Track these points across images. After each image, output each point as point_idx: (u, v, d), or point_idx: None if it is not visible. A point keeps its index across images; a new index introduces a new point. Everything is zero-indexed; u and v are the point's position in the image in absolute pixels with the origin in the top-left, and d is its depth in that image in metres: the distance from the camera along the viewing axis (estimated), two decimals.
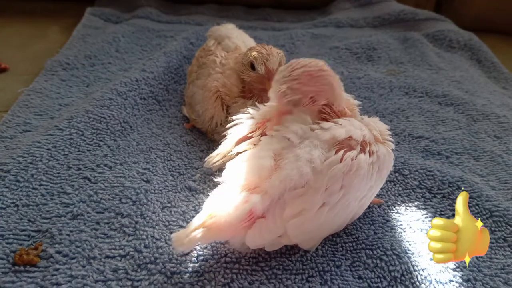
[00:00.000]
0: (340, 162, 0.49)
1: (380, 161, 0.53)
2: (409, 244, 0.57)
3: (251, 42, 0.84)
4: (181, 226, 0.57)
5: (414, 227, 0.59)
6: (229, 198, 0.48)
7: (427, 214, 0.62)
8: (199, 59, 0.81)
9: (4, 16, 1.22)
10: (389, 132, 0.57)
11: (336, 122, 0.53)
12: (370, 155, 0.52)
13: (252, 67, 0.67)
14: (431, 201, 0.64)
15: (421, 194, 0.65)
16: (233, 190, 0.49)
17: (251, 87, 0.69)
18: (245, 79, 0.69)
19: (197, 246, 0.54)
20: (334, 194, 0.49)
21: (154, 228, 0.57)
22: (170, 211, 0.59)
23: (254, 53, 0.67)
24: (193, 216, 0.58)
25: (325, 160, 0.49)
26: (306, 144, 0.50)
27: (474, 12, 1.36)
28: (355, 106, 0.59)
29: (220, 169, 0.55)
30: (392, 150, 0.56)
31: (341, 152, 0.50)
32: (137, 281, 0.50)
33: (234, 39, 0.81)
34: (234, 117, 0.58)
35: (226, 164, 0.54)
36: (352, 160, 0.50)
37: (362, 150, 0.51)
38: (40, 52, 1.02)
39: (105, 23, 1.18)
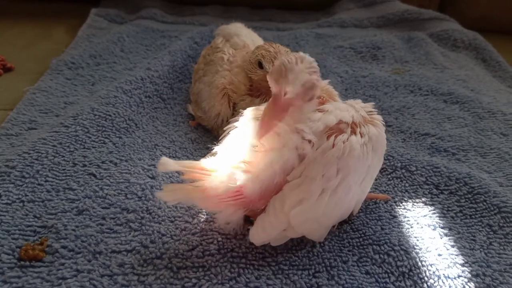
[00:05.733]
0: (333, 147, 0.49)
1: (373, 141, 0.53)
2: (417, 240, 0.56)
3: (260, 41, 0.84)
4: (186, 222, 0.57)
5: (421, 223, 0.59)
6: (224, 167, 0.48)
7: (434, 210, 0.61)
8: (206, 56, 0.81)
9: (10, 17, 1.22)
10: (375, 110, 0.57)
11: (323, 109, 0.52)
12: (361, 137, 0.52)
13: (260, 65, 0.66)
14: (438, 197, 0.64)
15: (428, 190, 0.65)
16: (232, 160, 0.49)
17: (258, 86, 0.69)
18: (252, 77, 0.69)
19: (202, 242, 0.54)
20: (332, 180, 0.49)
21: (160, 223, 0.56)
22: (176, 207, 0.59)
23: (262, 52, 0.66)
24: (199, 212, 0.58)
25: (317, 148, 0.49)
26: (299, 128, 0.50)
27: (478, 12, 1.35)
28: (327, 86, 0.58)
29: None
30: (382, 124, 0.56)
31: (332, 137, 0.50)
32: (143, 276, 0.50)
33: (243, 37, 0.81)
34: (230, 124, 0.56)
35: (229, 131, 0.55)
36: (343, 143, 0.49)
37: (353, 132, 0.51)
38: (45, 52, 1.03)
39: (110, 23, 1.19)
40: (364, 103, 0.58)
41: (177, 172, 0.50)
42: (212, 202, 0.49)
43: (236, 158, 0.50)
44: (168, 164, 0.47)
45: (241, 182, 0.48)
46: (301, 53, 0.50)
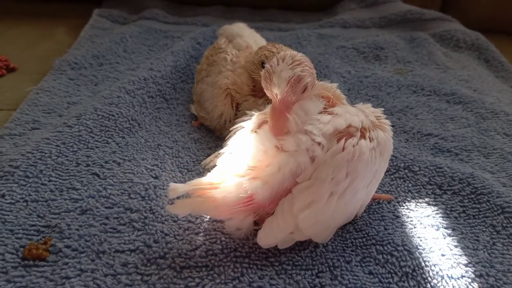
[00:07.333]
0: (343, 150, 0.49)
1: (381, 146, 0.53)
2: (420, 240, 0.56)
3: (262, 42, 0.84)
4: (189, 221, 0.57)
5: (424, 223, 0.59)
6: (233, 176, 0.49)
7: (437, 210, 0.61)
8: (209, 57, 0.81)
9: (12, 17, 1.23)
10: (384, 115, 0.57)
11: (332, 112, 0.52)
12: (370, 141, 0.52)
13: (263, 66, 0.66)
14: (441, 198, 0.64)
15: (431, 191, 0.65)
16: (239, 168, 0.49)
17: (261, 86, 0.69)
18: (256, 78, 0.68)
19: (206, 241, 0.54)
20: (341, 183, 0.49)
21: (163, 223, 0.56)
22: None
23: (265, 52, 0.66)
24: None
25: (327, 150, 0.49)
26: (309, 130, 0.50)
27: (480, 12, 1.35)
28: (336, 89, 0.58)
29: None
30: (391, 128, 0.57)
31: (343, 141, 0.50)
32: (147, 275, 0.50)
33: (246, 37, 0.81)
34: (235, 126, 0.57)
35: (235, 135, 0.55)
36: (353, 147, 0.50)
37: (362, 136, 0.52)
38: (48, 52, 1.03)
39: (113, 24, 1.19)
40: (374, 107, 0.58)
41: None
42: (223, 211, 0.49)
43: (242, 165, 0.50)
44: (177, 188, 0.48)
45: (251, 190, 0.48)
46: (283, 52, 0.51)
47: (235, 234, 0.53)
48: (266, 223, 0.50)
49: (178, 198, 0.50)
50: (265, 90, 0.50)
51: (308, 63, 0.51)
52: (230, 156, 0.53)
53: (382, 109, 0.58)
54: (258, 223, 0.54)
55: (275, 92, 0.48)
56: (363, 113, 0.54)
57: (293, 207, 0.49)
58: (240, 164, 0.50)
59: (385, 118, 0.57)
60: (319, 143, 0.49)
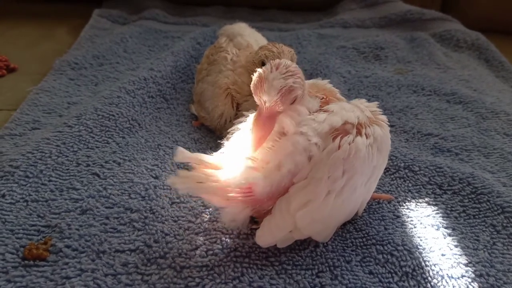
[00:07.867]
0: (338, 149, 0.49)
1: (378, 142, 0.53)
2: (420, 240, 0.56)
3: (263, 41, 0.84)
4: (190, 221, 0.57)
5: (424, 222, 0.59)
6: (237, 163, 0.48)
7: (437, 210, 0.61)
8: (209, 56, 0.81)
9: (12, 18, 1.23)
10: (380, 110, 0.57)
11: (327, 109, 0.52)
12: (366, 138, 0.52)
13: (263, 66, 0.66)
14: (441, 197, 0.63)
15: (431, 190, 0.65)
16: (242, 158, 0.49)
17: None
18: None
19: (206, 241, 0.54)
20: (338, 181, 0.49)
21: (163, 223, 0.56)
22: (179, 207, 0.59)
23: (265, 52, 0.66)
24: (202, 212, 0.58)
25: (323, 149, 0.49)
26: (304, 131, 0.50)
27: (480, 12, 1.35)
28: (327, 85, 0.58)
29: None
30: (387, 124, 0.56)
31: (338, 139, 0.50)
32: (147, 275, 0.50)
33: (247, 36, 0.81)
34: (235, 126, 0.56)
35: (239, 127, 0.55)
36: (349, 144, 0.50)
37: (358, 133, 0.51)
38: (48, 53, 1.03)
39: (113, 24, 1.19)
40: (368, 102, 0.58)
41: (187, 164, 0.50)
42: (222, 195, 0.48)
43: (244, 155, 0.50)
44: (184, 153, 0.47)
45: (252, 180, 0.47)
46: (277, 60, 0.51)
47: (229, 225, 0.52)
48: (265, 222, 0.50)
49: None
50: (254, 95, 0.49)
51: (300, 75, 0.51)
52: (233, 147, 0.53)
53: (377, 103, 0.58)
54: (257, 222, 0.54)
55: (264, 99, 0.48)
56: (359, 109, 0.54)
57: (290, 206, 0.49)
58: (244, 155, 0.50)
59: (381, 113, 0.57)
60: (315, 143, 0.49)
